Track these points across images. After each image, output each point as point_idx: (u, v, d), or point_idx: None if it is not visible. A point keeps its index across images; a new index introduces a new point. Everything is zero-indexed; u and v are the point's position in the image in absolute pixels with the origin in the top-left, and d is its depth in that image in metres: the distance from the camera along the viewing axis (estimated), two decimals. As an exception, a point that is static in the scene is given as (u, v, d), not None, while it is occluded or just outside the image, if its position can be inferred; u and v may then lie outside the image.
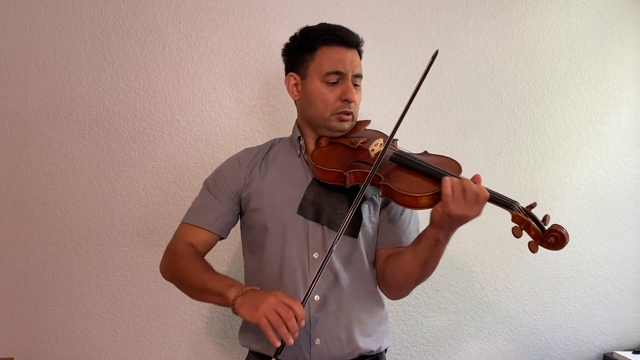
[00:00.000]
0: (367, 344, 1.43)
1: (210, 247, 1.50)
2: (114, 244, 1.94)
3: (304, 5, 1.96)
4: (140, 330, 1.96)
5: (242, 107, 1.96)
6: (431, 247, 1.29)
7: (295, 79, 1.46)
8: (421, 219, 1.56)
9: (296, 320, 1.20)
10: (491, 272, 2.05)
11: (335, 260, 1.41)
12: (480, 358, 2.06)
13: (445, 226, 1.25)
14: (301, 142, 1.48)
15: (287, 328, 1.19)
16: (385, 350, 1.51)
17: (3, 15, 1.90)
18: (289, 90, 1.48)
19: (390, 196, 1.30)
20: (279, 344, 1.19)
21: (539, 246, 1.22)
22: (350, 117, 1.44)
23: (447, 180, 1.22)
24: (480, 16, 2.03)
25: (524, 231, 1.23)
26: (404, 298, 1.96)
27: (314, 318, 1.39)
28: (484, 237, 2.04)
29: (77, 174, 1.93)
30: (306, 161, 1.47)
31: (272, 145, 1.55)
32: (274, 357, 1.22)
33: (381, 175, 1.31)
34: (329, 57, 1.41)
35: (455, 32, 2.02)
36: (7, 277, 1.93)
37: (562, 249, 1.22)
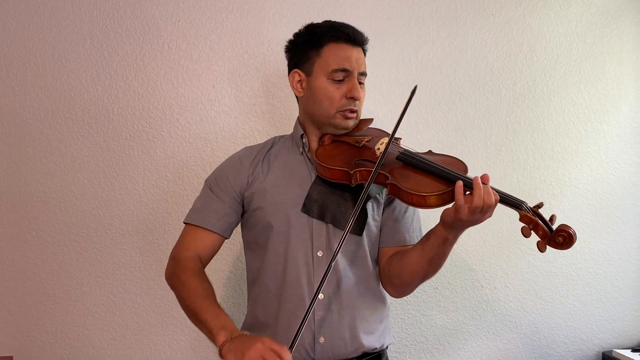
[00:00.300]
0: (370, 342, 1.44)
1: (215, 250, 1.49)
2: (113, 243, 1.94)
3: (303, 3, 1.96)
4: (139, 328, 1.96)
5: (242, 106, 1.96)
6: (439, 245, 1.31)
7: (300, 75, 1.45)
8: (428, 217, 1.56)
9: None
10: (490, 271, 2.05)
11: (340, 259, 1.41)
12: (480, 356, 2.06)
13: (455, 227, 1.27)
14: (304, 140, 1.48)
15: None
16: (387, 347, 1.52)
17: (2, 13, 1.90)
18: (293, 87, 1.47)
19: (397, 195, 1.30)
20: None
21: (547, 246, 1.24)
22: (355, 114, 1.44)
23: (460, 188, 1.23)
24: (480, 14, 2.03)
25: (532, 231, 1.25)
26: (404, 297, 1.98)
27: (318, 317, 1.39)
28: (484, 235, 2.04)
29: (76, 172, 1.93)
30: (309, 159, 1.47)
31: (273, 143, 1.55)
32: None
33: (388, 174, 1.32)
34: (335, 54, 1.41)
35: (455, 30, 2.02)
36: (6, 276, 1.93)
37: (569, 249, 1.23)
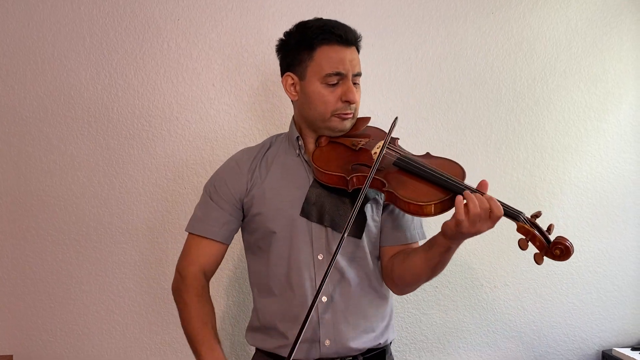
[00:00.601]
0: (375, 339, 1.45)
1: (219, 259, 1.50)
2: (113, 241, 1.94)
3: (302, 1, 1.96)
4: (139, 327, 1.96)
5: (241, 104, 1.96)
6: (442, 254, 1.31)
7: (293, 79, 1.43)
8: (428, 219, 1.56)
9: None
10: (490, 270, 2.05)
11: (340, 261, 1.41)
12: (479, 355, 2.06)
13: (457, 239, 1.27)
14: (300, 142, 1.47)
15: None
16: (390, 342, 1.52)
17: (1, 12, 1.90)
18: (286, 90, 1.46)
19: (394, 203, 1.30)
20: None
21: (544, 257, 1.23)
22: (351, 116, 1.43)
23: (460, 202, 1.22)
24: (479, 13, 2.03)
25: (529, 243, 1.23)
26: (404, 295, 1.98)
27: (323, 320, 1.39)
28: (484, 234, 2.01)
29: (75, 171, 1.93)
30: (306, 161, 1.46)
31: (270, 143, 1.53)
32: None
33: (384, 181, 1.31)
34: (328, 58, 1.38)
35: (454, 28, 2.02)
36: (6, 275, 1.93)
37: (566, 261, 1.23)
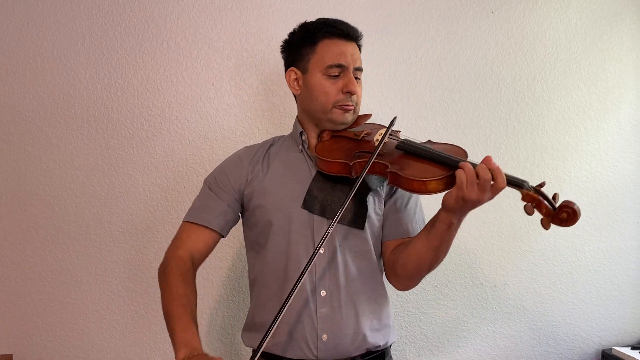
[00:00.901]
0: (374, 339, 1.43)
1: (211, 248, 1.48)
2: (113, 241, 1.94)
3: (302, 1, 1.96)
4: (139, 326, 1.96)
5: (241, 104, 1.96)
6: (444, 231, 1.29)
7: (296, 73, 1.46)
8: (429, 209, 1.56)
9: None
10: (490, 269, 2.05)
11: (343, 254, 1.41)
12: (479, 354, 2.06)
13: (458, 210, 1.25)
14: (303, 137, 1.48)
15: None
16: (390, 345, 1.51)
17: (1, 11, 1.90)
18: (289, 85, 1.48)
19: (397, 183, 1.29)
20: None
21: (551, 223, 1.22)
22: (353, 108, 1.44)
23: (462, 165, 1.22)
24: (479, 12, 2.03)
25: (535, 209, 1.23)
26: (403, 294, 1.99)
27: (321, 314, 1.38)
28: (483, 233, 2.04)
29: (75, 170, 1.93)
30: (309, 156, 1.47)
31: (272, 142, 1.55)
32: None
33: (387, 163, 1.31)
34: (330, 50, 1.41)
35: (454, 28, 2.02)
36: (6, 274, 1.93)
37: (573, 225, 1.22)
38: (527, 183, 1.25)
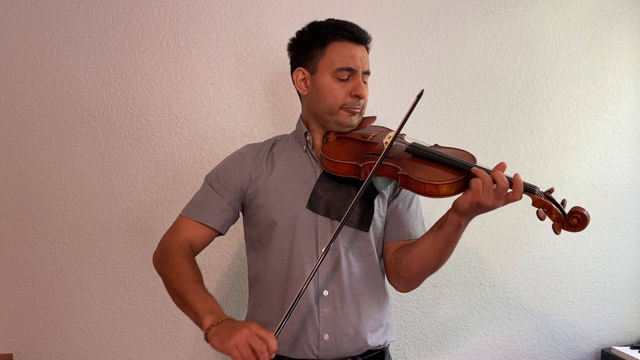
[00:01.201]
0: (375, 339, 1.44)
1: (208, 242, 1.48)
2: (112, 240, 1.94)
3: (302, 1, 1.96)
4: (138, 326, 1.96)
5: (241, 103, 1.96)
6: (452, 233, 1.31)
7: (304, 73, 1.45)
8: (430, 213, 1.57)
9: (268, 353, 1.17)
10: (489, 268, 2.05)
11: (347, 255, 1.41)
12: (479, 353, 2.06)
13: (470, 214, 1.27)
14: (308, 138, 1.48)
15: None
16: (389, 344, 1.52)
17: (1, 11, 1.90)
18: (297, 85, 1.47)
19: (408, 186, 1.31)
20: None
21: (562, 228, 1.26)
22: (359, 111, 1.45)
23: (478, 171, 1.24)
24: (479, 12, 2.03)
25: (546, 215, 1.26)
26: (403, 293, 1.98)
27: (323, 313, 1.39)
28: (483, 233, 2.04)
29: (75, 170, 1.93)
30: (313, 156, 1.47)
31: (275, 141, 1.54)
32: None
33: (398, 167, 1.32)
34: (340, 53, 1.41)
35: (454, 27, 2.02)
36: (6, 274, 1.93)
37: (583, 230, 1.26)
38: (538, 189, 1.28)
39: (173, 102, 1.94)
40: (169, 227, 1.50)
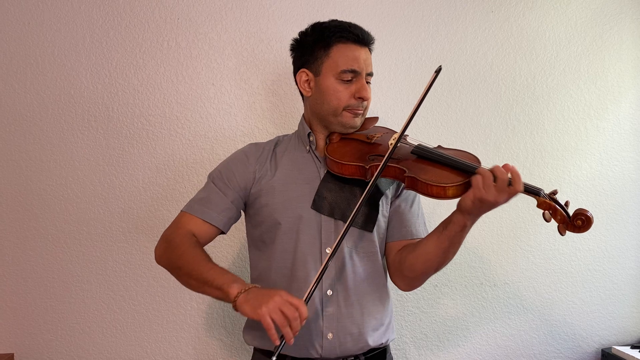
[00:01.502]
0: (377, 338, 1.45)
1: (210, 239, 1.48)
2: (113, 240, 1.95)
3: (302, 1, 1.96)
4: (139, 326, 1.96)
5: (241, 104, 1.96)
6: (457, 233, 1.32)
7: (307, 75, 1.45)
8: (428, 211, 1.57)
9: (300, 320, 1.19)
10: (490, 268, 2.06)
11: (351, 255, 1.42)
12: (479, 353, 2.06)
13: (474, 212, 1.28)
14: (311, 138, 1.48)
15: (291, 328, 1.18)
16: (390, 342, 1.53)
17: (2, 12, 1.90)
18: (300, 86, 1.47)
19: (415, 188, 1.32)
20: (278, 342, 1.18)
21: (567, 230, 1.29)
22: (362, 112, 1.46)
23: (481, 169, 1.26)
24: (479, 12, 2.03)
25: (551, 216, 1.29)
26: (403, 293, 1.99)
27: (327, 313, 1.39)
28: (483, 232, 2.04)
29: (76, 170, 1.93)
30: (317, 156, 1.47)
31: (277, 141, 1.55)
32: (274, 356, 1.19)
33: (404, 168, 1.33)
34: (344, 55, 1.41)
35: (454, 27, 2.02)
36: (7, 274, 1.94)
37: (587, 231, 1.29)
38: (543, 191, 1.30)
39: (174, 102, 1.94)
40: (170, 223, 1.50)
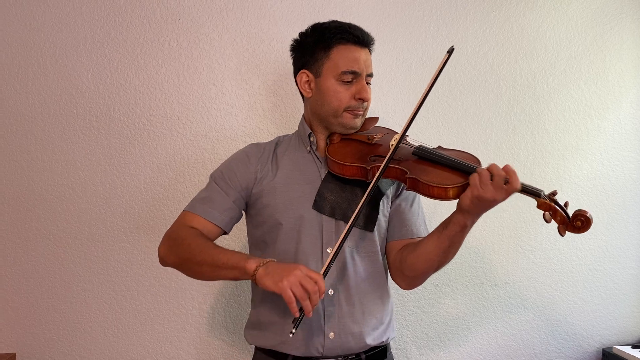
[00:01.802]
0: (378, 337, 1.46)
1: (213, 239, 1.47)
2: (115, 240, 1.95)
3: (303, 1, 1.96)
4: (141, 325, 1.97)
5: (242, 104, 1.96)
6: (457, 233, 1.32)
7: (308, 76, 1.46)
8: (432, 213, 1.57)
9: (319, 294, 1.21)
10: (491, 267, 2.06)
11: (352, 255, 1.43)
12: (480, 352, 2.06)
13: (474, 211, 1.29)
14: (312, 139, 1.48)
15: (310, 301, 1.20)
16: (390, 340, 1.53)
17: (3, 12, 1.91)
18: (300, 87, 1.48)
19: (416, 189, 1.32)
20: (298, 314, 1.21)
21: (566, 230, 1.30)
22: (362, 113, 1.46)
23: (479, 169, 1.27)
24: (480, 12, 2.03)
25: (551, 217, 1.30)
26: (404, 292, 1.99)
27: (328, 312, 1.40)
28: (484, 232, 2.04)
29: (77, 170, 1.94)
30: (317, 157, 1.48)
31: (277, 142, 1.55)
32: (294, 328, 1.21)
33: (406, 169, 1.33)
34: (344, 57, 1.41)
35: (455, 27, 2.02)
36: (9, 273, 1.94)
37: (586, 232, 1.31)
38: (544, 192, 1.30)
39: (175, 102, 1.95)
40: (172, 223, 1.50)
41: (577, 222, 1.28)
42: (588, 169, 2.09)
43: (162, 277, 1.95)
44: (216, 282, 1.96)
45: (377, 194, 1.45)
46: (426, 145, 1.41)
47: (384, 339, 1.47)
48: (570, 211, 1.30)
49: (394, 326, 1.53)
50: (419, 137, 1.98)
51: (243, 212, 1.52)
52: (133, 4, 1.92)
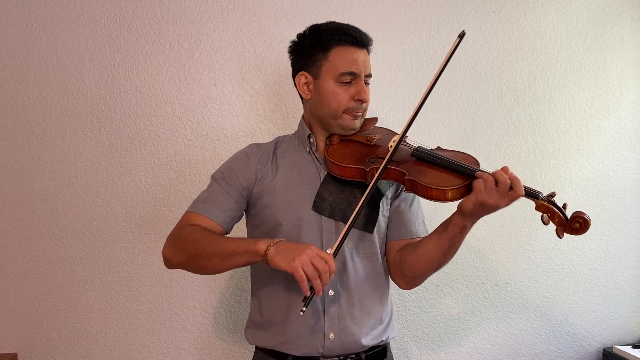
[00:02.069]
0: (378, 336, 1.46)
1: None
2: (116, 240, 1.95)
3: (304, 2, 1.96)
4: (142, 325, 1.97)
5: (243, 104, 1.97)
6: (456, 234, 1.33)
7: (306, 77, 1.46)
8: (432, 213, 1.57)
9: (329, 273, 1.23)
10: (491, 267, 2.06)
11: (352, 256, 1.43)
12: (480, 352, 2.07)
13: (475, 215, 1.29)
14: (311, 140, 1.49)
15: (320, 280, 1.22)
16: (390, 340, 1.54)
17: (5, 13, 1.91)
18: (299, 89, 1.48)
19: (415, 191, 1.33)
20: (309, 293, 1.22)
21: (564, 232, 1.30)
22: (361, 114, 1.46)
23: (479, 174, 1.27)
24: (480, 12, 2.03)
25: (550, 219, 1.30)
26: (405, 292, 2.00)
27: (328, 312, 1.41)
28: (484, 232, 2.05)
29: (78, 170, 1.94)
30: (317, 158, 1.48)
31: (277, 142, 1.55)
32: (305, 306, 1.23)
33: (405, 171, 1.34)
34: (343, 58, 1.41)
35: (455, 28, 2.02)
36: (10, 273, 1.95)
37: (584, 234, 1.30)
38: (542, 194, 1.30)
39: (176, 102, 1.95)
40: (174, 226, 1.50)
41: (576, 224, 1.28)
42: (588, 169, 2.09)
43: (163, 277, 1.96)
44: (216, 282, 1.96)
45: (377, 195, 1.46)
46: (425, 147, 1.41)
47: (384, 339, 1.48)
48: (569, 212, 1.30)
49: (393, 326, 1.53)
50: (419, 137, 1.99)
51: (244, 212, 1.53)
52: (134, 4, 1.93)
